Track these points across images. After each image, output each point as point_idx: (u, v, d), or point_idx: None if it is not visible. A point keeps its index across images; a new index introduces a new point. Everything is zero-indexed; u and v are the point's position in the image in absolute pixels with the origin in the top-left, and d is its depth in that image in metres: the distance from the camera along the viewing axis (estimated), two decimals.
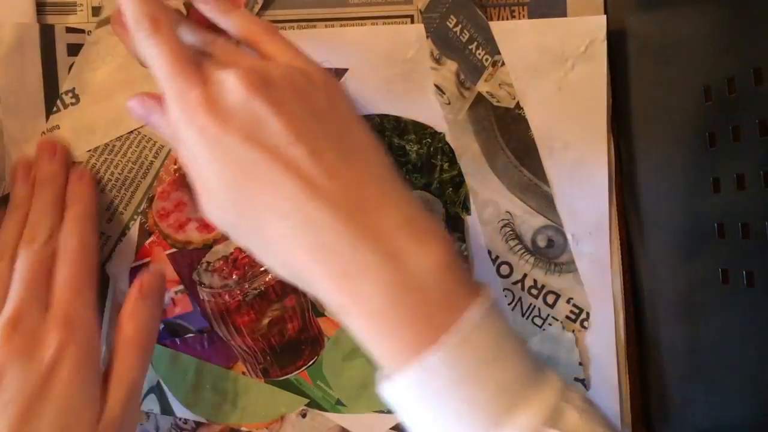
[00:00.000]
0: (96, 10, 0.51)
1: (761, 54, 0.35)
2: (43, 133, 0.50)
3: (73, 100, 0.50)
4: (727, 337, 0.39)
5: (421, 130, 0.50)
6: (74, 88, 0.50)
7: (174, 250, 0.50)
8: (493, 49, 0.50)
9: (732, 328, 0.38)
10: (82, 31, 0.50)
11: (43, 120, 0.50)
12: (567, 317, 0.49)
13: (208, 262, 0.49)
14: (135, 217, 0.50)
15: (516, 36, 0.50)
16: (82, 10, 0.51)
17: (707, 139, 0.39)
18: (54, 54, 0.50)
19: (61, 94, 0.50)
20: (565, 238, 0.49)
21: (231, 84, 0.34)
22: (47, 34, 0.50)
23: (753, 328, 0.36)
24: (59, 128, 0.50)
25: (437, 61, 0.50)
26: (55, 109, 0.50)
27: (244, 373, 0.50)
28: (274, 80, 0.35)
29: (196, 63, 0.35)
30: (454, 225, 0.50)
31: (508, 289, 0.49)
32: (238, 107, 0.33)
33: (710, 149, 0.39)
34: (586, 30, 0.50)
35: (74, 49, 0.50)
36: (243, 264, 0.49)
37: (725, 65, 0.38)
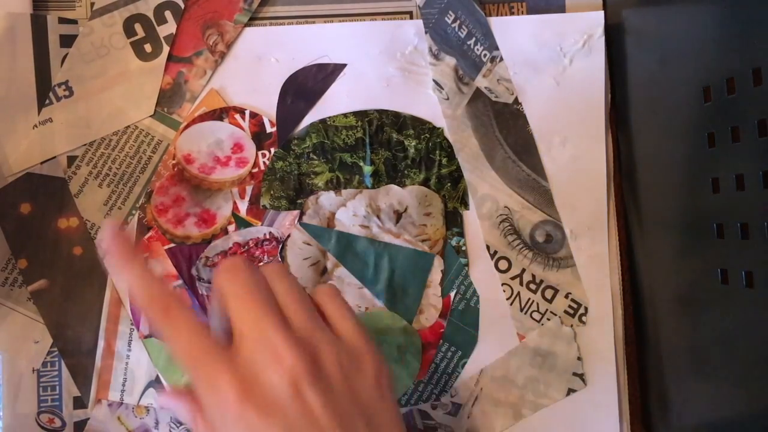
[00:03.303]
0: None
1: (761, 54, 0.35)
2: (35, 126, 0.49)
3: (67, 93, 0.49)
4: (726, 335, 0.39)
5: (419, 125, 0.50)
6: (68, 81, 0.49)
7: (173, 245, 0.50)
8: (492, 45, 0.50)
9: (731, 327, 0.39)
10: (74, 21, 0.49)
11: (35, 112, 0.49)
12: (565, 312, 0.50)
13: (207, 257, 0.49)
14: (133, 212, 0.50)
15: (514, 31, 0.50)
16: (81, 6, 0.50)
17: (706, 139, 0.40)
18: (46, 45, 0.49)
19: (54, 86, 0.49)
20: (564, 234, 0.50)
21: (276, 380, 0.31)
22: (39, 24, 0.49)
23: (752, 327, 0.37)
24: (52, 121, 0.49)
25: (436, 56, 0.50)
26: (47, 101, 0.49)
27: None
28: (324, 369, 0.33)
29: (223, 347, 0.32)
30: (453, 220, 0.50)
31: (506, 284, 0.50)
32: (284, 403, 0.31)
33: (709, 149, 0.40)
34: (585, 25, 0.50)
35: (67, 41, 0.49)
36: None
37: (725, 65, 0.38)
